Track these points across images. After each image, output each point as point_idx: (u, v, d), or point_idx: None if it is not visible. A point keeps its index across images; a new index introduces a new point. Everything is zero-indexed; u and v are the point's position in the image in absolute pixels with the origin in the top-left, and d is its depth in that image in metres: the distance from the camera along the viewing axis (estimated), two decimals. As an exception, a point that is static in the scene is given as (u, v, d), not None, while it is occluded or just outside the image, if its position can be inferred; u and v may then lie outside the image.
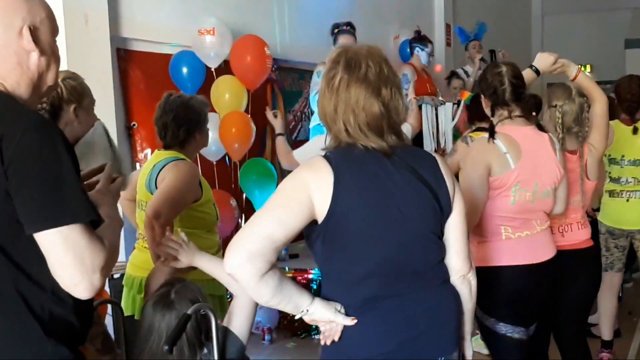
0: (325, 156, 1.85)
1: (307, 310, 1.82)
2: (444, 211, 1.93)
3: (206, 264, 2.27)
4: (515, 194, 2.69)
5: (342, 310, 1.84)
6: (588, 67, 12.58)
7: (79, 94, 2.35)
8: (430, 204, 1.89)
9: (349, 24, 4.89)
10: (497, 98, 2.82)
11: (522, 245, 2.73)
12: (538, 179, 2.73)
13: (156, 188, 2.86)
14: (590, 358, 3.31)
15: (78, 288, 1.53)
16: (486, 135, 2.76)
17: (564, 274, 3.06)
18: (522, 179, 2.68)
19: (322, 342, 1.88)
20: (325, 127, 1.93)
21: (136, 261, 3.03)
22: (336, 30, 4.91)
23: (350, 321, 1.83)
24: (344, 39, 4.76)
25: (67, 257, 1.49)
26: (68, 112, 2.33)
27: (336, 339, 1.85)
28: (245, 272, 1.71)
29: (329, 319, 1.84)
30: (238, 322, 2.18)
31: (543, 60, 3.13)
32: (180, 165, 2.87)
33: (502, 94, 2.80)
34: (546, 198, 2.78)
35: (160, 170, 2.87)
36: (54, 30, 1.70)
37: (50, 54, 1.67)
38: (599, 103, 3.12)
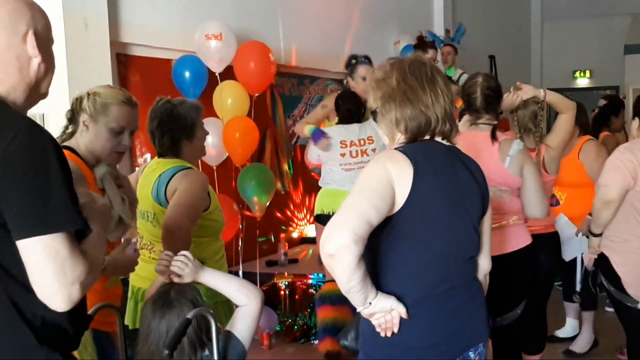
0: (401, 150, 1.93)
1: (370, 304, 1.86)
2: (485, 210, 2.10)
3: (209, 278, 2.27)
4: None
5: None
6: (587, 72, 12.62)
7: (96, 110, 2.41)
8: (479, 202, 2.05)
9: (366, 57, 4.99)
10: (470, 105, 3.14)
11: None
12: None
13: (166, 199, 2.80)
14: (546, 327, 3.75)
15: (55, 299, 1.50)
16: None
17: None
18: None
19: (382, 334, 1.91)
20: (394, 126, 2.00)
21: (143, 273, 2.92)
22: (354, 61, 4.99)
23: (406, 314, 1.89)
24: (364, 69, 4.85)
25: (46, 267, 1.46)
26: (79, 121, 2.44)
27: (395, 330, 1.90)
28: (350, 253, 1.74)
29: (390, 307, 1.87)
30: (241, 327, 2.19)
31: (508, 103, 3.42)
32: (191, 174, 2.82)
33: (474, 102, 3.11)
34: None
35: (169, 180, 2.80)
36: (51, 40, 1.70)
37: (49, 62, 1.67)
38: (567, 113, 3.49)
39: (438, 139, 2.01)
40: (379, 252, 1.93)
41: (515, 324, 3.20)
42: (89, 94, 2.45)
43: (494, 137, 3.04)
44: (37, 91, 1.67)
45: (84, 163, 2.41)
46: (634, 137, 3.50)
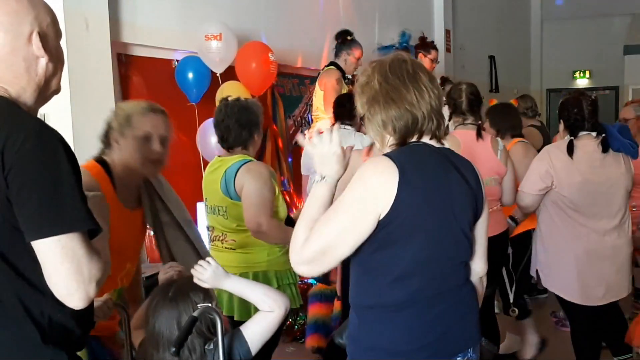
0: (389, 156, 1.89)
1: (324, 178, 1.91)
2: (478, 214, 2.04)
3: (233, 285, 2.30)
4: None
5: None
6: (587, 72, 12.64)
7: (120, 123, 2.45)
8: (472, 206, 2.00)
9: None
10: (456, 108, 3.66)
11: None
12: None
13: (236, 192, 3.03)
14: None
15: (73, 297, 1.51)
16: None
17: None
18: None
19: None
20: (381, 129, 1.97)
21: (220, 262, 3.12)
22: (349, 38, 5.19)
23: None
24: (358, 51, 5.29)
25: (64, 266, 1.48)
26: (112, 141, 2.48)
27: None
28: (313, 272, 1.90)
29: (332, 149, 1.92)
30: (253, 329, 2.21)
31: None
32: (253, 168, 3.05)
33: (460, 106, 3.65)
34: (487, 185, 3.37)
35: (235, 174, 3.04)
36: (58, 34, 1.70)
37: (57, 59, 1.67)
38: None
39: (426, 139, 1.97)
40: (363, 256, 1.92)
41: (487, 301, 3.50)
42: (113, 112, 2.53)
43: (479, 135, 3.58)
44: (47, 89, 1.68)
45: (110, 180, 2.43)
46: (560, 138, 3.73)
